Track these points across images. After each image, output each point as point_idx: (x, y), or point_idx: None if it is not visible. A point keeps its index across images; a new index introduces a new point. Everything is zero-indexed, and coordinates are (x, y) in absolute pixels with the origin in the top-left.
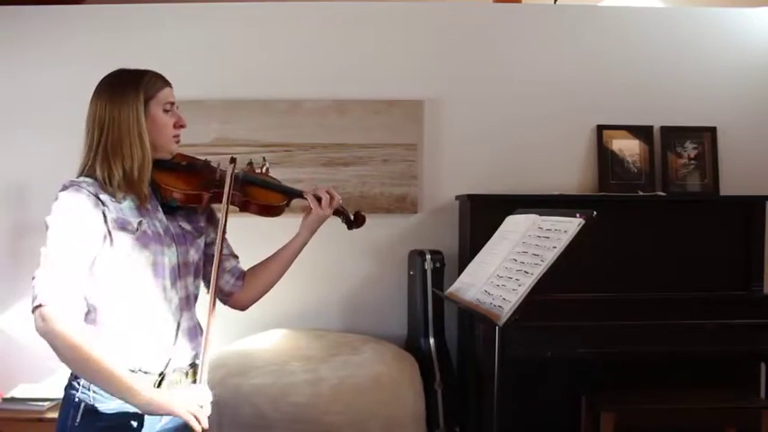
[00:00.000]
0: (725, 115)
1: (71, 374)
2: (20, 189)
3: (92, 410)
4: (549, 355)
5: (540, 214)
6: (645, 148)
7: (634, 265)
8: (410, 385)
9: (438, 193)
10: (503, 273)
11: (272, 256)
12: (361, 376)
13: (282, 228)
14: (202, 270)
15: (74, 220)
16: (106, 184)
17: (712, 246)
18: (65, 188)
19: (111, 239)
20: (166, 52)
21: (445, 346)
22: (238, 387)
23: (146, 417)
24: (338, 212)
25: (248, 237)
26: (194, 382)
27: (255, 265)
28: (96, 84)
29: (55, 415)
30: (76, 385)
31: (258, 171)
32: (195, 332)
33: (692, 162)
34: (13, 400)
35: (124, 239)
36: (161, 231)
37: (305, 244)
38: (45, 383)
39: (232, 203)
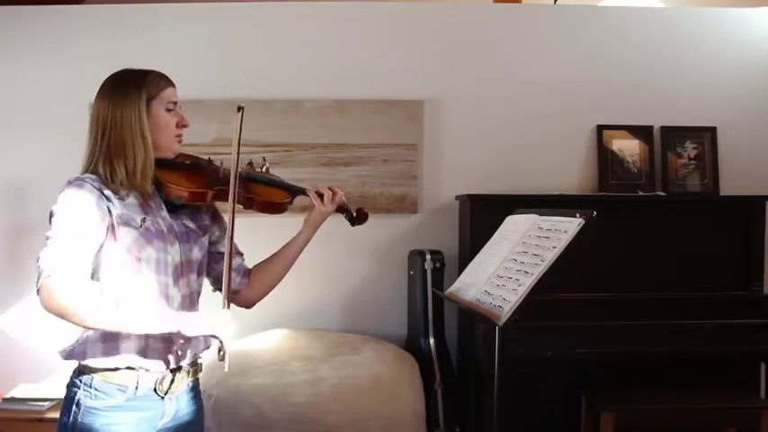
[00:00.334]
0: (725, 115)
1: (73, 372)
2: (20, 189)
3: (91, 408)
4: (549, 355)
5: (540, 214)
6: (645, 148)
7: (634, 265)
8: (410, 385)
9: (438, 193)
10: (503, 273)
11: (276, 253)
12: (361, 376)
13: (286, 226)
14: (206, 268)
15: (80, 207)
16: (109, 182)
17: (712, 246)
18: (69, 183)
19: (115, 234)
20: (167, 52)
21: (445, 346)
22: (238, 387)
23: (147, 415)
24: (341, 209)
25: (252, 235)
26: (196, 380)
27: (259, 263)
28: (97, 84)
29: (55, 415)
30: (78, 383)
31: (260, 170)
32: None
33: (692, 162)
34: (13, 400)
35: (127, 235)
36: (164, 229)
37: (308, 241)
38: (45, 383)
39: (236, 199)
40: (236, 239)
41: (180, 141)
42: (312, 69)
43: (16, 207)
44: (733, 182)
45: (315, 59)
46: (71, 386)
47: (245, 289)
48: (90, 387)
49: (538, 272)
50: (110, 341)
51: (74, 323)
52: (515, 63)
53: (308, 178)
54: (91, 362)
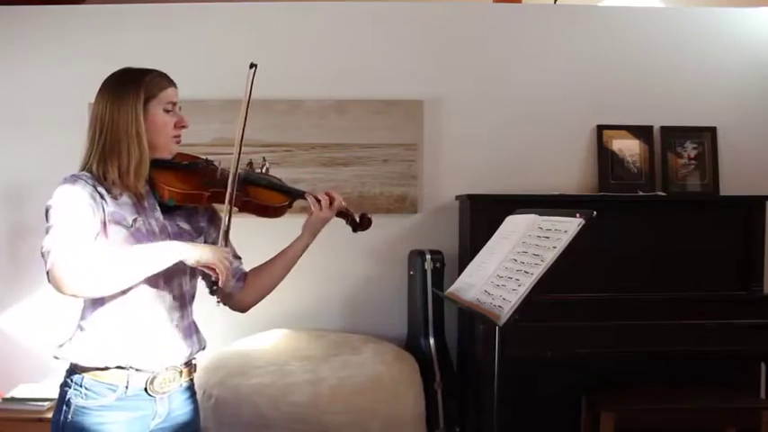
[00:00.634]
0: (725, 115)
1: (66, 372)
2: (19, 189)
3: (82, 408)
4: (549, 355)
5: (540, 214)
6: (645, 148)
7: (634, 265)
8: (410, 385)
9: (438, 193)
10: (503, 273)
11: (274, 258)
12: (361, 376)
13: (285, 227)
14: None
15: (75, 199)
16: (102, 180)
17: (712, 246)
18: (64, 180)
19: (106, 232)
20: (166, 52)
21: (445, 346)
22: (238, 387)
23: (138, 414)
24: (343, 214)
25: (251, 236)
26: (191, 381)
27: (257, 267)
28: (98, 83)
29: None
30: (69, 382)
31: (259, 171)
32: (190, 331)
33: (692, 162)
34: (13, 400)
35: (118, 234)
36: (156, 230)
37: (306, 247)
38: (45, 383)
39: (232, 202)
40: (234, 241)
41: (178, 142)
42: (312, 69)
43: (16, 207)
44: (733, 182)
45: (315, 59)
46: (63, 386)
47: (239, 293)
48: (81, 386)
49: (538, 272)
50: (100, 340)
51: (93, 296)
52: (515, 63)
53: (308, 178)
54: (82, 360)
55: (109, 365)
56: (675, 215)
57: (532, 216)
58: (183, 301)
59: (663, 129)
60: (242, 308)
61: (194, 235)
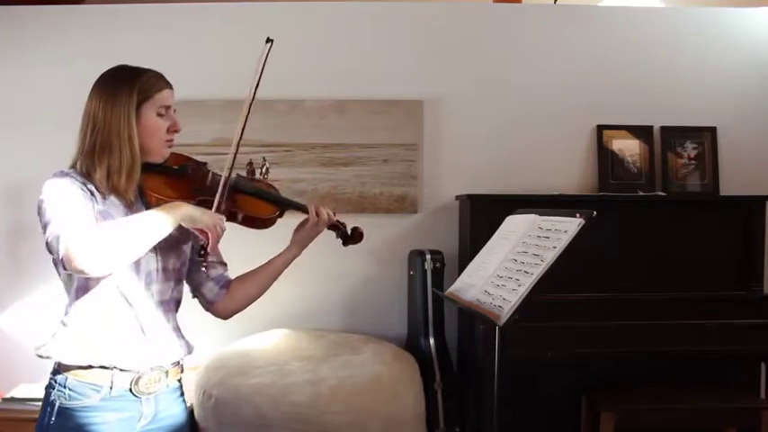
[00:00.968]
0: (725, 115)
1: (51, 373)
2: (19, 189)
3: (66, 409)
4: (549, 355)
5: (540, 214)
6: (645, 148)
7: (634, 265)
8: (410, 385)
9: (438, 193)
10: (503, 273)
11: (260, 267)
12: (361, 376)
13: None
14: (186, 276)
15: (68, 188)
16: (89, 179)
17: (712, 246)
18: (54, 175)
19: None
20: (165, 52)
21: (445, 346)
22: (238, 387)
23: (123, 416)
24: (333, 227)
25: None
26: (179, 382)
27: (242, 275)
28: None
29: None
30: (53, 384)
31: (257, 176)
32: (176, 333)
33: (692, 162)
34: (13, 400)
35: None
36: None
37: (294, 258)
38: (45, 383)
39: (218, 212)
40: (220, 247)
41: (170, 146)
42: (312, 69)
43: (16, 207)
44: (733, 182)
45: (315, 59)
46: (48, 387)
47: (221, 300)
48: (64, 387)
49: (538, 272)
50: (82, 336)
51: (113, 269)
52: (515, 63)
53: (308, 178)
54: (64, 358)
55: (92, 364)
56: (675, 215)
57: (532, 216)
58: (170, 306)
59: (663, 129)
60: (224, 315)
61: (181, 240)
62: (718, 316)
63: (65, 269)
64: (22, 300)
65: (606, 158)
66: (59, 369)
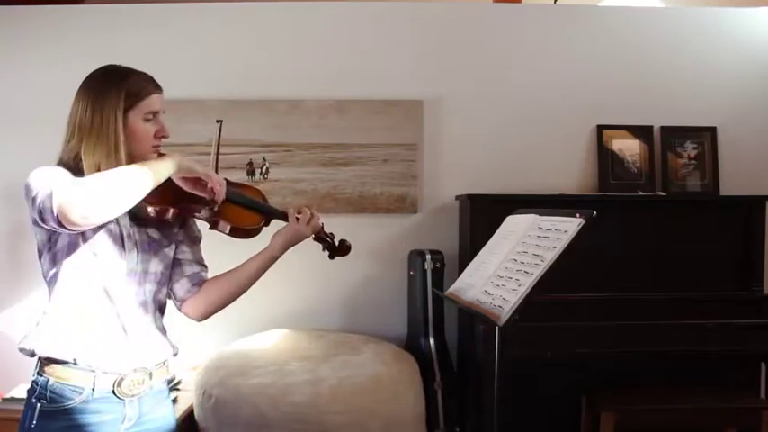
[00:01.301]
0: (725, 115)
1: (33, 375)
2: (19, 189)
3: (48, 412)
4: (549, 355)
5: (540, 214)
6: (645, 148)
7: (634, 265)
8: (410, 385)
9: (438, 193)
10: (503, 273)
11: (233, 270)
12: (361, 376)
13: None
14: (168, 279)
15: (53, 167)
16: (75, 173)
17: (712, 246)
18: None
19: None
20: (166, 52)
21: (445, 346)
22: (238, 387)
23: (106, 418)
24: (320, 239)
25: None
26: (165, 384)
27: (217, 275)
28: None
29: None
30: (35, 386)
31: (245, 184)
32: (157, 335)
33: (692, 162)
34: (13, 400)
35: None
36: (123, 234)
37: (273, 261)
38: None
39: (201, 219)
40: (204, 252)
41: (156, 152)
42: (312, 69)
43: (16, 207)
44: (733, 182)
45: (315, 59)
46: (29, 390)
47: (191, 297)
48: (45, 389)
49: (538, 272)
50: (61, 327)
51: (110, 216)
52: (515, 63)
53: (308, 178)
54: (44, 349)
55: (70, 359)
56: (675, 215)
57: (532, 216)
58: (153, 307)
59: (663, 129)
60: (195, 315)
61: (164, 243)
62: (718, 316)
63: (61, 226)
64: (22, 300)
65: (606, 158)
66: (42, 368)
